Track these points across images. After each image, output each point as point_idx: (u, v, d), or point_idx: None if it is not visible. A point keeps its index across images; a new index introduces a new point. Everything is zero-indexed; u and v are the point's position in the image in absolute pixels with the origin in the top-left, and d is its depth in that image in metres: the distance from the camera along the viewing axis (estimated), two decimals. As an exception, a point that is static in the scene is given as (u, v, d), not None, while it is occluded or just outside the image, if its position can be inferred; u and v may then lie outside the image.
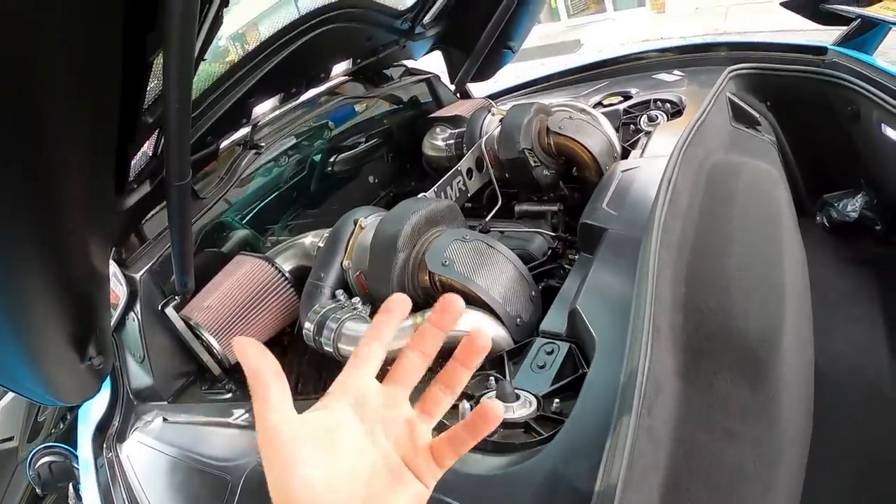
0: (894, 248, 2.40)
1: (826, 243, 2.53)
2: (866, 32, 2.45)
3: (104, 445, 1.87)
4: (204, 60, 1.65)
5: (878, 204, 2.44)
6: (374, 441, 0.64)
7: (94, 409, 1.98)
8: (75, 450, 1.99)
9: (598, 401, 1.17)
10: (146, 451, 1.77)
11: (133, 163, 1.63)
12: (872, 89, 2.16)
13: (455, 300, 0.71)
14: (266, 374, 0.62)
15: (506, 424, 1.22)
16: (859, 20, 2.42)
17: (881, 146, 2.19)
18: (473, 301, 1.56)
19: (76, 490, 2.06)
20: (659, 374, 1.15)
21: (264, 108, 2.44)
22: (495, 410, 0.65)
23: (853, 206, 2.46)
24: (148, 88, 1.36)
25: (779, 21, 5.85)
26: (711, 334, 1.33)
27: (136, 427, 1.89)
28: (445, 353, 1.51)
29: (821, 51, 2.52)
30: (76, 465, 1.99)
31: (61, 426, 2.67)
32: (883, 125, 2.13)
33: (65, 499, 2.23)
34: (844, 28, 2.51)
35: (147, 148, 1.67)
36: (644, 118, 2.50)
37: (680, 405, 1.18)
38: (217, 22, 1.41)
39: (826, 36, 2.58)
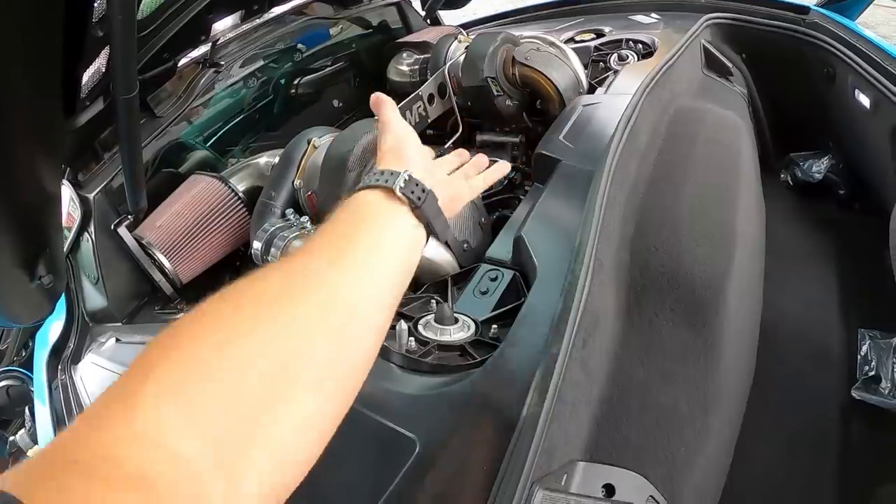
0: (855, 213, 2.42)
1: (787, 201, 2.54)
2: None
3: (59, 368, 1.86)
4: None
5: (844, 168, 2.45)
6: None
7: (50, 333, 1.98)
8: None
9: (534, 328, 1.17)
10: (99, 372, 1.77)
11: (85, 80, 1.57)
12: (850, 53, 2.15)
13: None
14: (386, 100, 1.11)
15: (442, 347, 1.23)
16: None
17: (852, 111, 2.19)
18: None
19: (32, 413, 2.06)
20: (597, 309, 1.15)
21: (224, 26, 2.37)
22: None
23: (818, 167, 2.47)
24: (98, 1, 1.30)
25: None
26: (656, 274, 1.33)
27: (91, 349, 1.88)
28: (419, 285, 1.51)
29: (803, 10, 2.49)
30: (33, 389, 1.99)
31: (23, 354, 2.66)
32: (856, 90, 2.13)
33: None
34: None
35: (100, 64, 1.61)
36: (614, 56, 2.45)
37: (618, 342, 1.19)
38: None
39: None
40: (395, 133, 1.03)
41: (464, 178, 1.13)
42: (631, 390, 1.11)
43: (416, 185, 0.88)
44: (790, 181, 2.57)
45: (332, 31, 2.98)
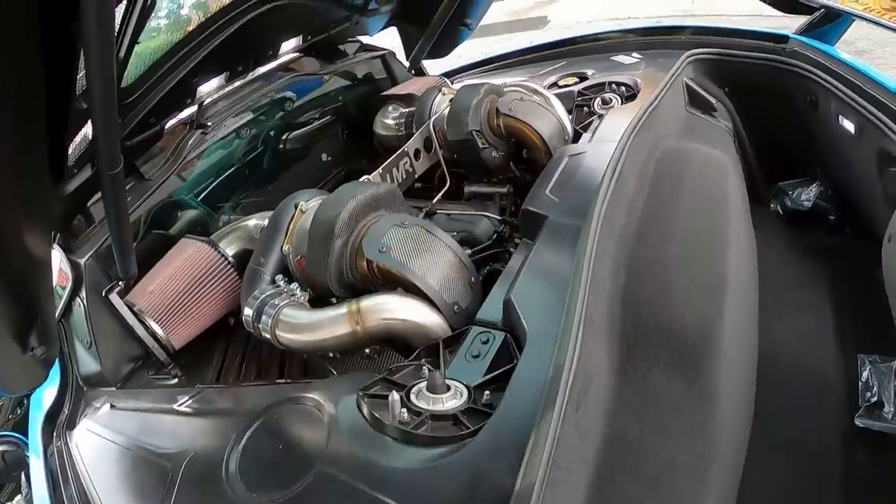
0: (846, 238, 2.44)
1: (778, 231, 2.56)
2: (829, 23, 2.48)
3: (54, 434, 1.84)
4: (138, 44, 1.62)
5: (833, 194, 2.49)
6: None
7: (45, 397, 1.95)
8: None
9: (526, 394, 1.17)
10: (94, 440, 1.74)
11: (72, 149, 1.59)
12: (832, 80, 2.19)
13: None
14: None
15: (435, 417, 1.22)
16: (823, 10, 2.45)
17: (838, 137, 2.22)
18: (411, 288, 1.56)
19: (28, 479, 2.04)
20: (590, 368, 1.15)
21: (210, 87, 2.39)
22: None
23: (807, 195, 2.50)
24: (80, 76, 1.31)
25: (746, 8, 5.86)
26: (648, 327, 1.34)
27: (86, 414, 1.86)
28: (391, 341, 1.51)
29: (782, 39, 2.54)
30: (28, 454, 1.98)
31: (18, 412, 2.63)
32: (840, 116, 2.16)
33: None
34: (808, 17, 2.53)
35: (86, 132, 1.63)
36: (598, 101, 2.49)
37: (612, 399, 1.19)
38: (151, 4, 1.38)
39: (790, 23, 2.60)
40: None
41: None
42: (628, 447, 1.11)
43: None
44: (780, 210, 2.61)
45: (316, 85, 2.99)
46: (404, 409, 1.23)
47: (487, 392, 1.26)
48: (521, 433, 1.04)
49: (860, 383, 1.82)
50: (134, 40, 1.57)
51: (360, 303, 1.54)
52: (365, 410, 1.27)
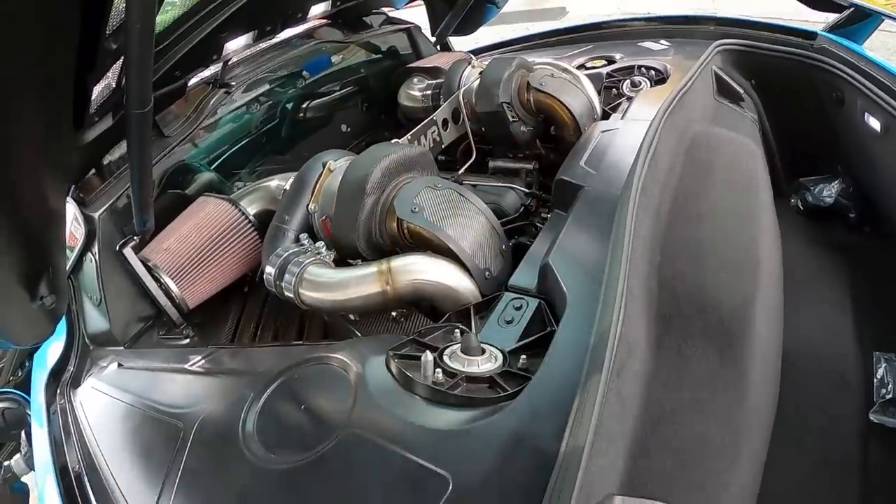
0: (866, 236, 2.42)
1: (799, 226, 2.54)
2: (858, 22, 2.46)
3: (58, 391, 1.80)
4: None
5: (854, 192, 2.46)
6: None
7: (49, 355, 1.91)
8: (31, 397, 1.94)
9: (566, 359, 1.14)
10: (100, 398, 1.71)
11: (95, 95, 1.54)
12: (859, 77, 2.17)
13: None
14: None
15: (470, 379, 1.19)
16: (852, 9, 2.42)
17: (862, 134, 2.20)
18: (442, 251, 1.53)
19: (28, 437, 2.01)
20: (630, 338, 1.12)
21: (236, 46, 2.35)
22: None
23: (829, 191, 2.48)
24: (112, 13, 1.27)
25: (769, 10, 5.84)
26: (684, 302, 1.31)
27: (91, 373, 1.82)
28: (418, 305, 1.48)
29: (810, 35, 2.52)
30: (30, 412, 1.94)
31: (19, 374, 2.60)
32: (866, 114, 2.13)
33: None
34: (836, 15, 2.51)
35: (111, 79, 1.58)
36: (627, 83, 2.47)
37: (649, 371, 1.16)
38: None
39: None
40: None
41: None
42: (663, 420, 1.08)
43: None
44: (800, 206, 2.58)
45: (334, 56, 2.97)
46: (438, 370, 1.19)
47: (524, 357, 1.23)
48: (563, 398, 1.02)
49: (875, 380, 1.81)
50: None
51: (392, 262, 1.51)
52: (395, 371, 1.23)
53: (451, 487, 0.98)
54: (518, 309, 1.37)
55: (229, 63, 2.38)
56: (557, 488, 0.86)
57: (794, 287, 1.93)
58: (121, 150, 1.94)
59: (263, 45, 2.60)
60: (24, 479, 2.04)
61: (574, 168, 1.76)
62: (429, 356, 1.20)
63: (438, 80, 2.66)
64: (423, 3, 3.30)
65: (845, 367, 1.90)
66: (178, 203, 2.06)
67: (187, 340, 1.89)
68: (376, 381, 1.23)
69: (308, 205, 1.79)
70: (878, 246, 2.27)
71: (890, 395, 1.74)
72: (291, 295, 1.60)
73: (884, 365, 1.81)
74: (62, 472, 1.54)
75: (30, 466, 1.96)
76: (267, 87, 2.59)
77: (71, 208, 1.82)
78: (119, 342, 1.87)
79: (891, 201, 2.17)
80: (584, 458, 0.86)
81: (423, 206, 1.55)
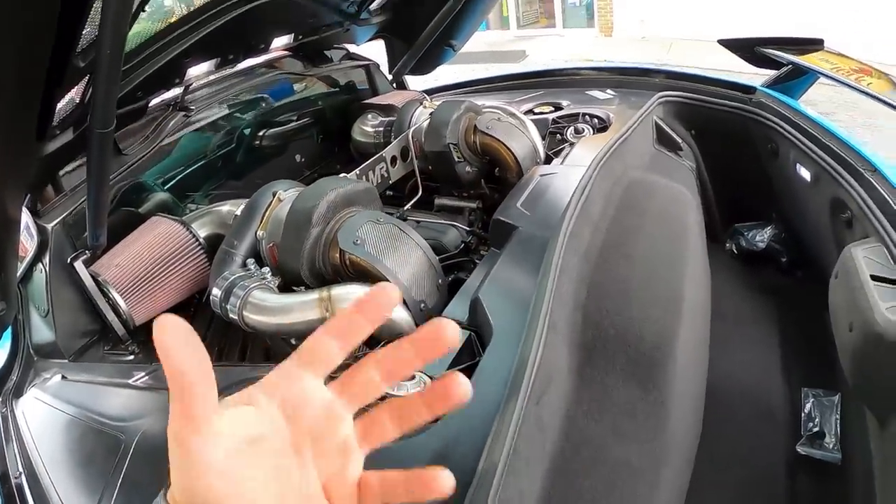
0: (797, 279, 2.54)
1: (732, 269, 2.66)
2: (795, 79, 2.60)
3: (0, 400, 1.83)
4: (143, 11, 1.64)
5: (786, 237, 2.60)
6: (300, 462, 0.53)
7: (-8, 364, 1.94)
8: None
9: (489, 386, 1.20)
10: (42, 408, 1.73)
11: (58, 108, 1.59)
12: (793, 130, 2.30)
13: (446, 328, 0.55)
14: (193, 376, 0.47)
15: (398, 403, 1.25)
16: (790, 66, 2.56)
17: (795, 184, 2.32)
18: (379, 282, 1.58)
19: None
20: (551, 367, 1.20)
21: (198, 71, 2.42)
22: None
23: (762, 236, 2.61)
24: (83, 31, 1.34)
25: (719, 61, 6.05)
26: (608, 336, 1.39)
27: (35, 383, 1.84)
28: (376, 342, 1.52)
29: (749, 90, 2.66)
30: (-31, 418, 1.94)
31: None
32: (798, 165, 2.27)
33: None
34: (775, 72, 2.65)
35: (74, 94, 1.64)
36: (571, 129, 2.57)
37: (571, 400, 1.23)
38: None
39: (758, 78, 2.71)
40: (194, 467, 0.48)
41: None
42: (584, 445, 1.15)
43: None
44: (735, 250, 2.71)
45: (298, 86, 3.05)
46: (369, 395, 1.26)
47: (450, 384, 1.30)
48: (484, 422, 1.08)
49: (803, 414, 1.92)
50: (140, 7, 1.59)
51: (332, 290, 1.57)
52: (323, 390, 1.29)
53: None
54: (449, 339, 1.44)
55: (190, 87, 2.44)
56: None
57: (727, 326, 2.04)
58: (76, 163, 1.98)
59: (225, 71, 2.66)
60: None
61: (510, 209, 1.85)
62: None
63: (391, 118, 2.75)
64: (383, 40, 3.40)
65: (774, 402, 2.01)
66: (130, 220, 2.09)
67: (132, 357, 1.90)
68: (311, 402, 1.28)
69: (257, 231, 1.85)
70: (807, 289, 2.37)
71: (817, 429, 1.85)
72: (236, 317, 1.65)
73: (811, 400, 1.92)
74: (2, 478, 1.57)
75: (-33, 470, 1.95)
76: (225, 112, 2.64)
77: (24, 218, 1.84)
78: (64, 355, 1.89)
79: (819, 246, 2.28)
80: (498, 475, 0.93)
81: (365, 239, 1.61)
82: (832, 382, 1.93)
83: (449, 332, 0.54)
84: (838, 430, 1.84)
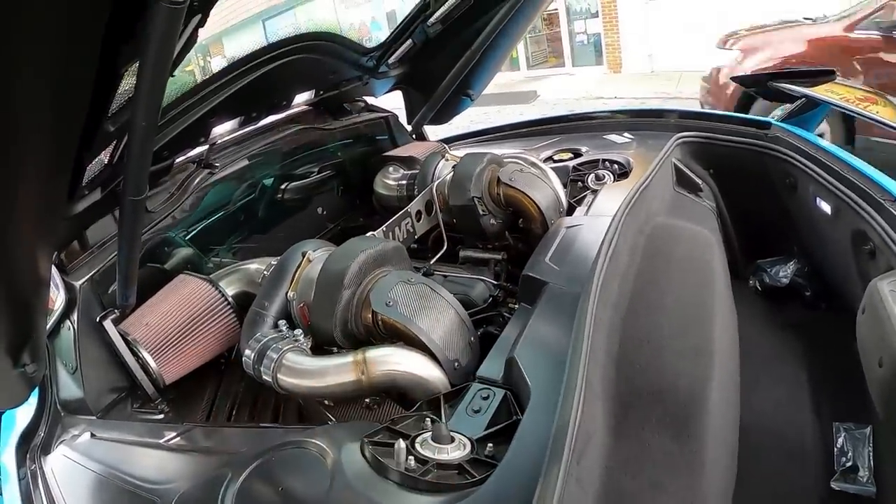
0: (822, 313, 2.52)
1: (757, 306, 2.64)
2: (809, 111, 2.61)
3: (28, 456, 1.81)
4: (172, 76, 1.67)
5: (809, 271, 2.58)
6: None
7: (18, 418, 1.91)
8: (-3, 457, 1.93)
9: (530, 447, 1.21)
10: (71, 466, 1.71)
11: (87, 170, 1.61)
12: (810, 164, 2.30)
13: None
14: None
15: (441, 465, 1.25)
16: (803, 99, 2.58)
17: (815, 217, 2.32)
18: (414, 343, 1.60)
19: (-5, 500, 1.99)
20: (589, 426, 1.20)
21: (222, 129, 2.44)
22: None
23: (785, 272, 2.59)
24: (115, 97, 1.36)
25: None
26: (641, 390, 1.39)
27: (63, 440, 1.81)
28: (390, 393, 1.52)
29: (764, 125, 2.67)
30: (-2, 476, 1.93)
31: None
32: (817, 198, 2.27)
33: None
34: (789, 105, 2.67)
35: (103, 155, 1.66)
36: (592, 177, 2.58)
37: (609, 455, 1.23)
38: (191, 41, 1.42)
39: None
40: None
41: None
42: (623, 501, 1.14)
43: None
44: (758, 286, 2.69)
45: (318, 140, 3.06)
46: (411, 457, 1.26)
47: (490, 444, 1.30)
48: (526, 484, 1.08)
49: (835, 449, 1.89)
50: (170, 74, 1.62)
51: (367, 353, 1.57)
52: (369, 457, 1.29)
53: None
54: (486, 399, 1.44)
55: (215, 144, 2.46)
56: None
57: (754, 366, 2.03)
58: (103, 220, 2.00)
59: (248, 128, 2.69)
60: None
61: (539, 264, 1.85)
62: (401, 444, 1.26)
63: (413, 171, 2.78)
64: (401, 91, 3.44)
65: (805, 438, 1.98)
66: (156, 276, 2.11)
67: (161, 416, 1.90)
68: (352, 466, 1.28)
69: (287, 292, 1.85)
70: (833, 322, 2.33)
71: (850, 463, 1.82)
72: (269, 379, 1.65)
73: (843, 434, 1.89)
74: (32, 537, 1.56)
75: (-10, 531, 1.94)
76: (248, 165, 2.65)
77: (52, 274, 1.84)
78: (91, 411, 1.88)
79: (843, 279, 2.26)
80: None
81: (397, 300, 1.62)
82: (863, 415, 1.91)
83: None
84: (871, 462, 1.81)
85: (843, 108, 2.29)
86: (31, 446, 1.81)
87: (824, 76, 2.57)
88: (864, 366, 1.68)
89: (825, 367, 2.23)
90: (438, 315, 1.65)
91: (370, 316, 1.66)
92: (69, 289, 1.87)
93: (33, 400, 1.90)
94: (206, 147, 2.40)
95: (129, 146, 1.35)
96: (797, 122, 2.62)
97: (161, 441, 1.67)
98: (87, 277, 1.90)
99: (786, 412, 2.10)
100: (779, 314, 2.59)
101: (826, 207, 2.22)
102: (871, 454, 1.82)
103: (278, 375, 1.63)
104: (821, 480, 1.83)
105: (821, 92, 2.45)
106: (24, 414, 1.89)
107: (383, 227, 2.19)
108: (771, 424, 2.03)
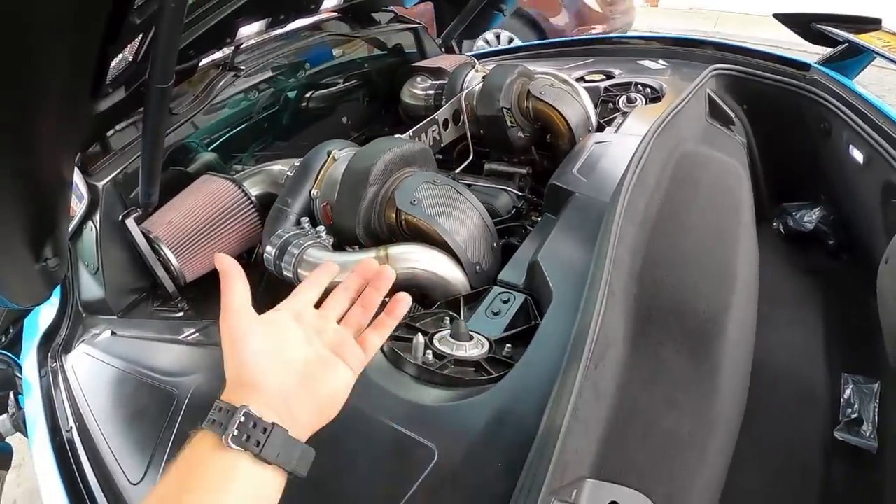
0: (843, 263, 2.47)
1: (779, 249, 2.59)
2: (850, 58, 2.52)
3: (49, 355, 1.83)
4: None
5: (834, 219, 2.51)
6: (309, 342, 0.85)
7: (41, 319, 1.95)
8: (19, 359, 1.96)
9: (548, 350, 1.21)
10: (92, 363, 1.74)
11: (112, 66, 1.57)
12: (846, 110, 2.23)
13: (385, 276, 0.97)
14: (235, 273, 0.86)
15: (458, 362, 1.26)
16: (846, 44, 2.48)
17: (846, 165, 2.26)
18: (437, 243, 1.58)
19: (17, 399, 2.03)
20: (609, 334, 1.19)
21: (249, 31, 2.39)
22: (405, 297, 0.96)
23: (810, 217, 2.53)
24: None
25: (767, 37, 5.91)
26: (662, 306, 1.37)
27: (84, 339, 1.85)
28: (410, 292, 1.52)
29: (804, 66, 2.58)
30: (18, 374, 1.96)
31: (3, 339, 2.61)
32: (851, 146, 2.20)
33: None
34: (830, 50, 2.57)
35: (127, 52, 1.62)
36: (623, 98, 2.54)
37: (625, 368, 1.22)
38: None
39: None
40: (236, 335, 0.80)
41: (352, 347, 0.89)
42: (637, 414, 1.14)
43: (254, 425, 0.72)
44: (782, 230, 2.63)
45: (338, 49, 3.03)
46: (429, 352, 1.27)
47: (508, 346, 1.30)
48: (543, 385, 1.09)
49: (842, 399, 1.86)
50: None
51: (389, 249, 1.56)
52: (387, 350, 1.30)
53: (436, 457, 1.04)
54: (505, 302, 1.44)
55: (240, 47, 2.42)
56: (534, 463, 0.93)
57: (771, 306, 1.99)
58: (123, 123, 2.00)
59: (274, 32, 2.64)
60: (8, 440, 2.05)
61: (567, 175, 1.82)
62: (420, 338, 1.27)
63: (441, 81, 2.73)
64: (432, 3, 3.36)
65: (814, 385, 1.95)
66: (179, 179, 2.09)
67: (181, 314, 1.91)
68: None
69: (311, 190, 1.84)
70: (853, 273, 2.32)
71: (855, 416, 1.80)
72: (290, 275, 1.64)
73: (851, 386, 1.87)
74: (53, 431, 1.59)
75: (16, 428, 1.97)
76: (272, 73, 2.63)
77: (75, 177, 1.84)
78: (113, 311, 1.90)
79: (868, 230, 2.23)
80: (561, 437, 0.93)
81: (422, 200, 1.60)
82: (873, 370, 1.88)
83: (386, 272, 0.97)
84: (876, 418, 1.79)
85: (889, 59, 2.20)
86: (53, 346, 1.85)
87: (870, 23, 2.47)
88: (882, 316, 1.65)
89: (841, 318, 2.19)
90: (462, 217, 1.63)
91: (394, 214, 1.64)
92: (92, 189, 1.86)
93: (56, 302, 1.93)
94: (231, 49, 2.35)
95: (158, 30, 1.32)
96: (837, 67, 2.52)
97: (180, 337, 1.69)
98: (109, 178, 1.88)
99: (797, 355, 2.07)
100: (800, 259, 2.54)
101: (858, 156, 2.15)
102: (877, 410, 1.80)
103: (299, 270, 1.63)
104: (824, 427, 1.81)
105: (868, 40, 2.35)
106: (46, 316, 1.93)
107: (410, 132, 2.16)
108: (781, 365, 2.00)
